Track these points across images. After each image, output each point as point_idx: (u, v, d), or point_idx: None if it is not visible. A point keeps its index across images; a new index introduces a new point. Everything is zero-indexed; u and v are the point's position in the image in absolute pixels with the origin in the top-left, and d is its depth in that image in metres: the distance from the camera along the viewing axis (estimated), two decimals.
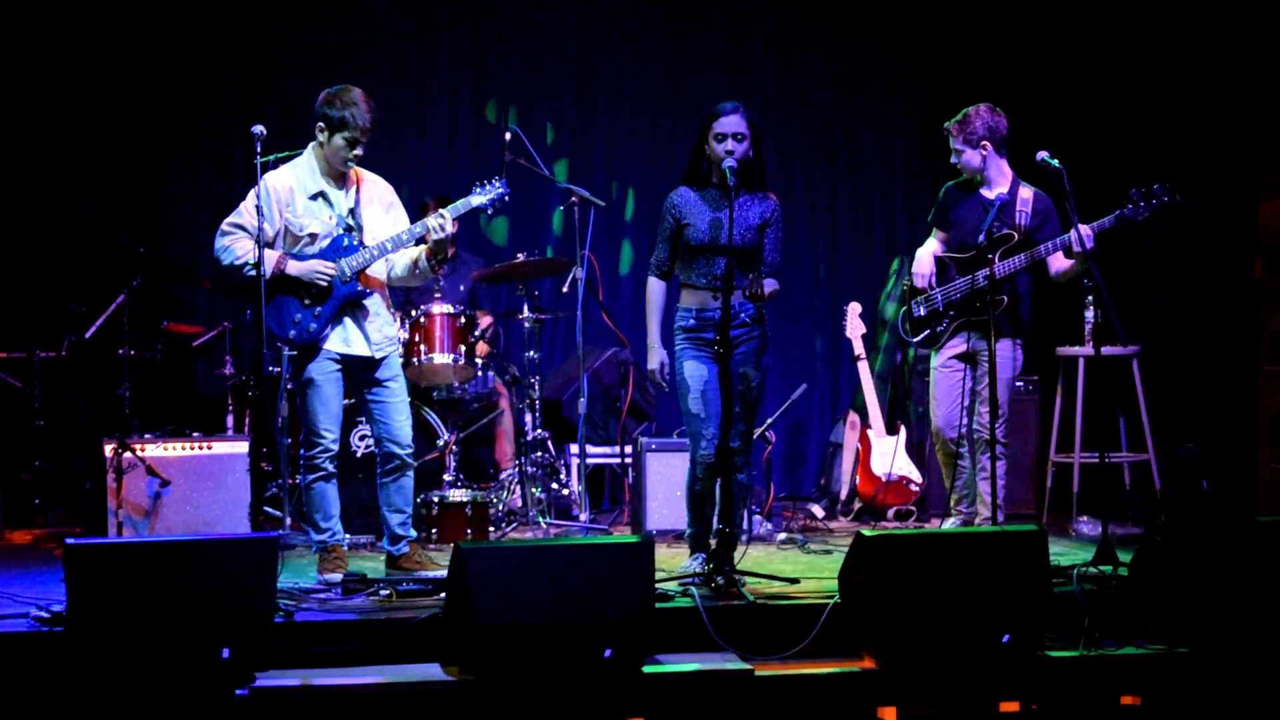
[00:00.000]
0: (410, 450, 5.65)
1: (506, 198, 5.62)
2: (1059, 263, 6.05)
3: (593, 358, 7.81)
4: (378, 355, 5.54)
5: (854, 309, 7.62)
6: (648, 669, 4.60)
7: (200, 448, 6.63)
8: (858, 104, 8.64)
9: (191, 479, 6.58)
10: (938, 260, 6.17)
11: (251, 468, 5.48)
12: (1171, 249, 8.04)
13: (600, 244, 7.43)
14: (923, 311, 6.21)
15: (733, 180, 5.23)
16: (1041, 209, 6.03)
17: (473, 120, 8.39)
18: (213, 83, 7.89)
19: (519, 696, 4.48)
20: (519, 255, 7.15)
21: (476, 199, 5.57)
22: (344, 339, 5.46)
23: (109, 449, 6.51)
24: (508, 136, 7.21)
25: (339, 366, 5.45)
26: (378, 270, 5.54)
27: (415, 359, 6.87)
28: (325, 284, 5.37)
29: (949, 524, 6.23)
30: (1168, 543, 4.97)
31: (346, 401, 6.82)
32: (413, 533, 5.70)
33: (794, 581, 5.34)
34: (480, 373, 7.07)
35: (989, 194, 6.06)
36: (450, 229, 5.45)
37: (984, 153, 6.05)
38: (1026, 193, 6.05)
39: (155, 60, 7.87)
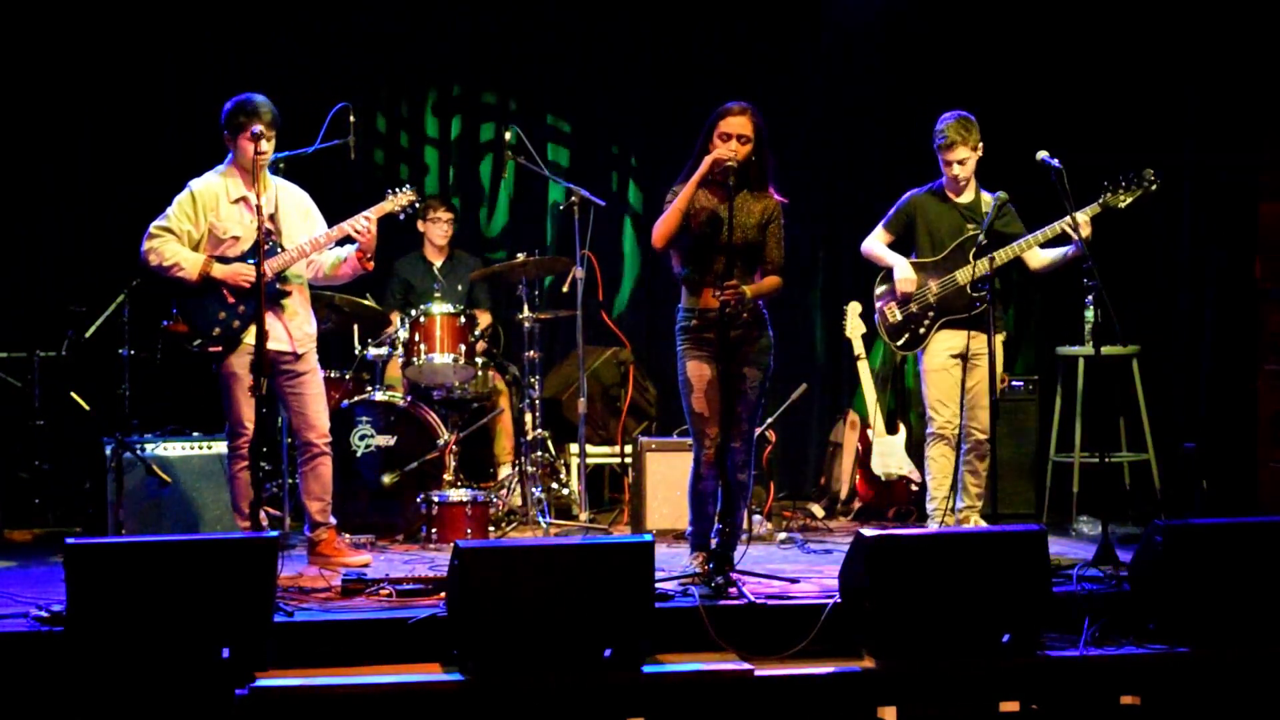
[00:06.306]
0: (328, 440, 5.86)
1: (417, 204, 6.04)
2: (1037, 259, 6.27)
3: (592, 358, 7.82)
4: (299, 350, 5.77)
5: (854, 309, 7.62)
6: (648, 669, 4.60)
7: (200, 448, 6.64)
8: (858, 103, 8.63)
9: (191, 479, 6.59)
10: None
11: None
12: (1171, 249, 8.04)
13: (600, 244, 7.42)
14: (899, 316, 6.35)
15: (732, 180, 5.23)
16: (1005, 211, 6.21)
17: (472, 120, 8.38)
18: (212, 82, 7.88)
19: (519, 696, 4.48)
20: (519, 255, 7.15)
21: (389, 205, 5.90)
22: None
23: (109, 449, 6.52)
24: (508, 135, 7.21)
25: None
26: (298, 271, 5.79)
27: (415, 359, 6.88)
28: (248, 286, 5.57)
29: (931, 529, 6.30)
30: (1168, 543, 4.97)
31: (347, 403, 6.90)
32: (333, 520, 5.86)
33: (794, 581, 5.35)
34: (480, 372, 7.07)
35: (963, 199, 6.30)
36: (373, 229, 5.76)
37: (979, 155, 6.24)
38: (987, 196, 6.24)
39: (154, 60, 7.87)
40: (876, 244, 6.45)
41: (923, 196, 6.39)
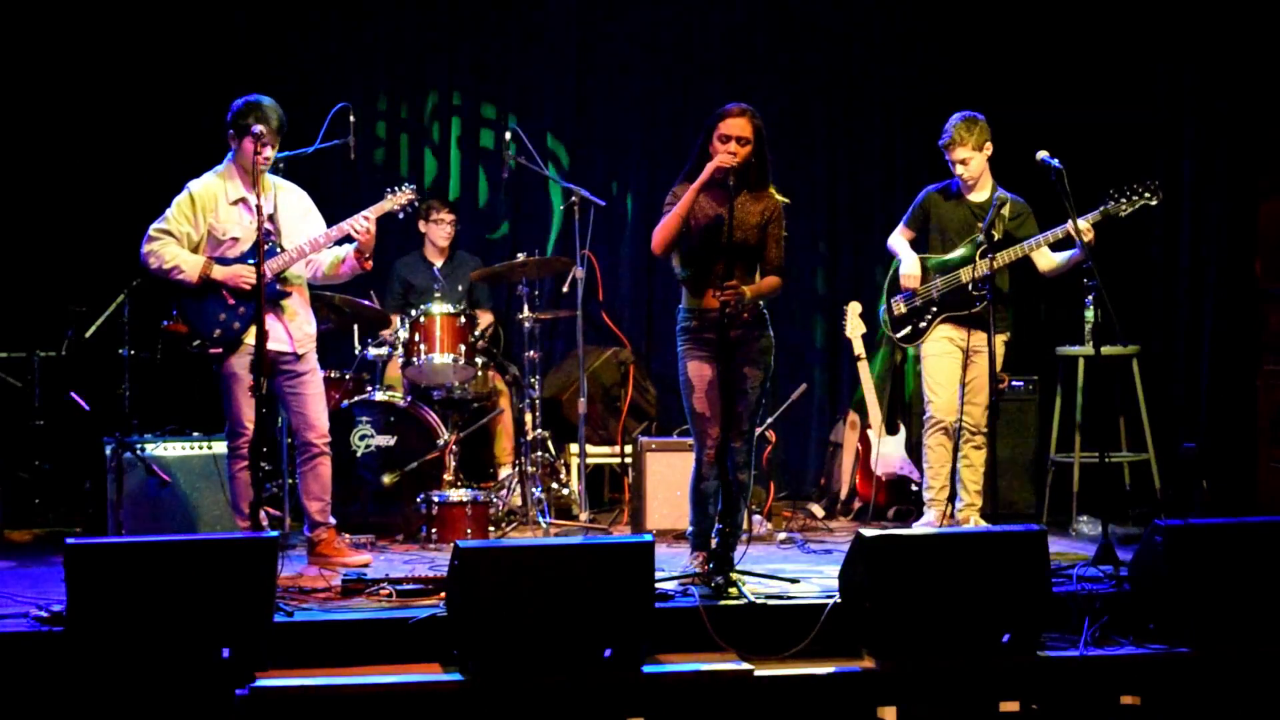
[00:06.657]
0: (327, 439, 5.87)
1: (416, 203, 6.00)
2: (1046, 260, 6.28)
3: (592, 358, 7.81)
4: (299, 351, 5.78)
5: (854, 309, 7.62)
6: (648, 669, 4.60)
7: (200, 448, 6.63)
8: (858, 103, 8.63)
9: (191, 479, 6.58)
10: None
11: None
12: (1172, 249, 8.03)
13: (600, 244, 7.41)
14: (904, 309, 6.39)
15: (732, 180, 5.23)
16: (1020, 210, 6.23)
17: (472, 121, 8.38)
18: (212, 84, 7.88)
19: (519, 696, 4.48)
20: (519, 255, 7.15)
21: (388, 204, 5.89)
22: None
23: (109, 449, 6.52)
24: (508, 136, 7.21)
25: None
26: (298, 271, 5.80)
27: (415, 359, 6.88)
28: (248, 287, 5.56)
29: (928, 518, 6.32)
30: (1168, 543, 4.96)
31: (347, 403, 6.90)
32: (332, 520, 5.87)
33: (794, 581, 5.34)
34: (480, 372, 7.07)
35: (976, 198, 6.29)
36: (372, 229, 5.76)
37: (988, 156, 6.23)
38: (1004, 195, 6.22)
39: (154, 61, 7.86)
40: (897, 239, 6.50)
41: (937, 194, 6.41)
